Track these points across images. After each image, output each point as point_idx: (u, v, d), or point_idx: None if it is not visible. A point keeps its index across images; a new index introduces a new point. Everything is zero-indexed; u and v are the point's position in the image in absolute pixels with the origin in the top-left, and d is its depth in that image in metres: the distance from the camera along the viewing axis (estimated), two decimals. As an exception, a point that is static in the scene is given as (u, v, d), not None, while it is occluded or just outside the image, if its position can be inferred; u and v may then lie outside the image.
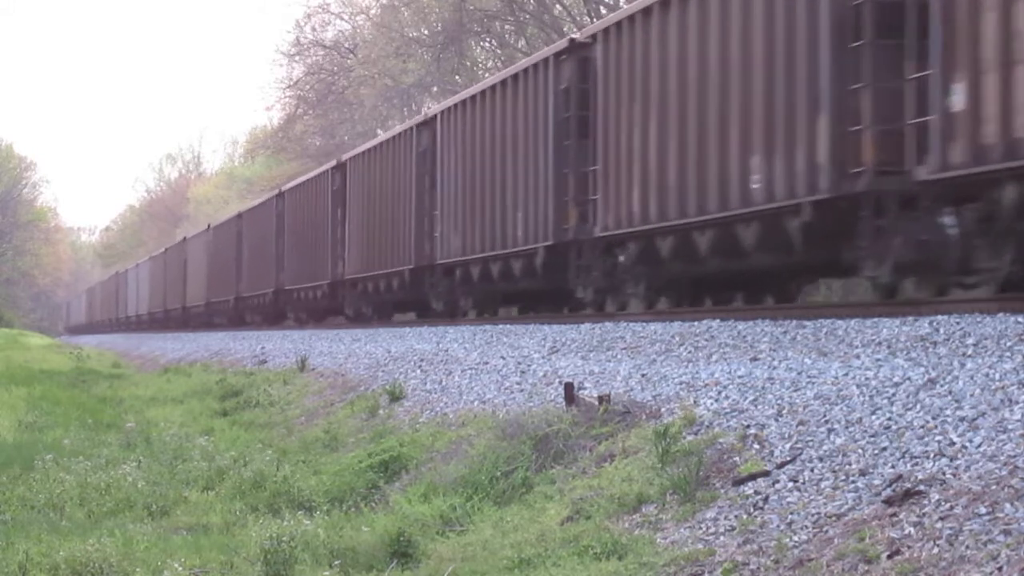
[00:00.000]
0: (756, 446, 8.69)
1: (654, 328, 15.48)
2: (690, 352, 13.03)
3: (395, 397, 15.61)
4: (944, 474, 7.16)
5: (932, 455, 7.47)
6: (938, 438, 7.67)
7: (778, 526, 7.43)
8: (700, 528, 7.84)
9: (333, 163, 37.44)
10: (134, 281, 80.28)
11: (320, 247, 37.06)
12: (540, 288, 23.62)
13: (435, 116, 28.30)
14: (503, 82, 24.25)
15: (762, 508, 7.76)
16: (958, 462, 7.25)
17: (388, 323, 31.10)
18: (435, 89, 56.35)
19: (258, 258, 45.28)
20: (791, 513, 7.51)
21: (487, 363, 15.89)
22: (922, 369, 9.28)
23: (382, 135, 35.16)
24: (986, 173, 12.31)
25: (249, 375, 24.20)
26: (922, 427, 7.93)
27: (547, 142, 22.15)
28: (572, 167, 21.37)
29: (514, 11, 50.62)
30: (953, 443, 7.53)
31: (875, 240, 14.15)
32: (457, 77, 52.68)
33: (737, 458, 8.61)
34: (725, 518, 7.83)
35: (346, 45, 64.26)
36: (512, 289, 24.95)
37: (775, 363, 11.00)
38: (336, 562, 9.22)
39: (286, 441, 15.78)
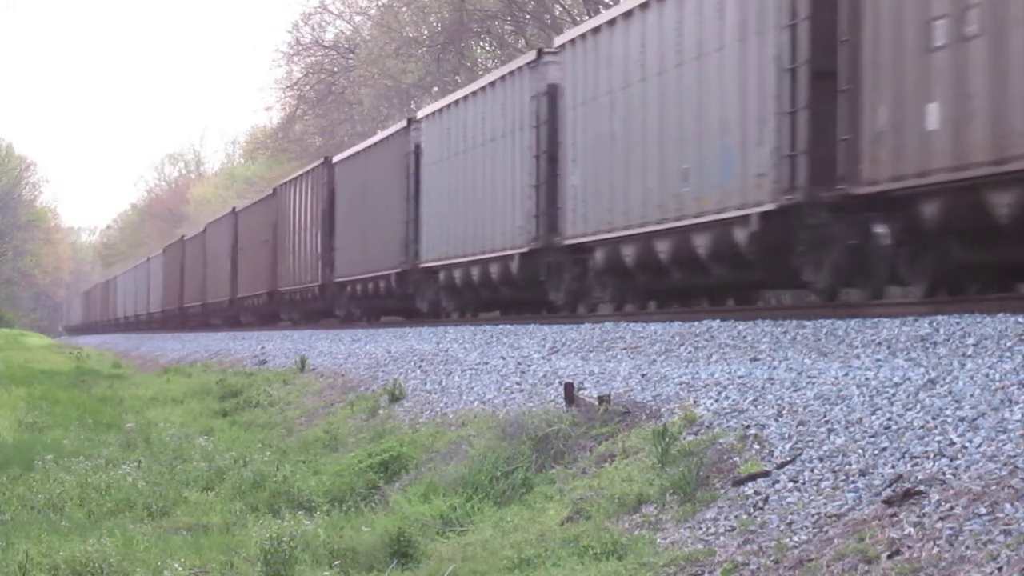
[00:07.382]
0: (756, 446, 8.69)
1: (654, 328, 15.49)
2: (690, 352, 13.03)
3: (395, 397, 15.61)
4: (944, 474, 7.16)
5: (932, 455, 7.46)
6: (938, 438, 7.67)
7: (778, 526, 7.43)
8: (700, 528, 7.84)
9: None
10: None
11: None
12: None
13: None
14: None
15: (762, 508, 7.76)
16: (958, 462, 7.25)
17: (388, 323, 31.14)
18: (435, 89, 56.27)
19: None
20: (791, 513, 7.51)
21: (487, 363, 15.89)
22: (922, 369, 9.28)
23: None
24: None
25: (249, 375, 24.19)
26: (922, 427, 7.93)
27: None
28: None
29: (514, 11, 50.60)
30: (953, 443, 7.52)
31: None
32: (457, 77, 52.59)
33: (737, 458, 8.61)
34: (725, 518, 7.82)
35: (346, 45, 64.22)
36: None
37: (775, 363, 11.00)
38: (336, 562, 9.22)
39: (286, 441, 15.77)
